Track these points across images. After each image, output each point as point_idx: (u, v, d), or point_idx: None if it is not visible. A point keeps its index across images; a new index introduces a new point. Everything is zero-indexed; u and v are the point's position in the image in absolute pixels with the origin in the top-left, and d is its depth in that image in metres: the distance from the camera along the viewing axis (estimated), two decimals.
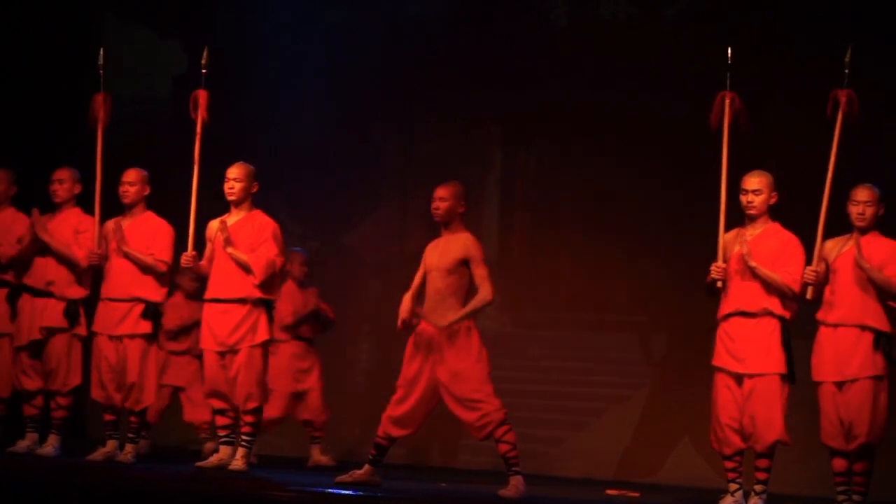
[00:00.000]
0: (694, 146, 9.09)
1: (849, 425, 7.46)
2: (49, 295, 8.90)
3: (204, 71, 8.67)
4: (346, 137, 10.99)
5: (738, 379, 7.62)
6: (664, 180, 9.93)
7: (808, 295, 7.55)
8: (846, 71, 7.64)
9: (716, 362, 7.71)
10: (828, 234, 7.61)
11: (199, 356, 8.69)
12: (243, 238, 8.46)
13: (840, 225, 7.60)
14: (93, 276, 8.97)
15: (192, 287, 9.34)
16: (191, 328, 9.40)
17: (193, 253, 8.52)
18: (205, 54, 8.69)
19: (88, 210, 8.95)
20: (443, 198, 7.94)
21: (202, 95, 8.64)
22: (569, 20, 10.52)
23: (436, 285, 7.81)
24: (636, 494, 8.50)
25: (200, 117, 8.61)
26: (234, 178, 8.52)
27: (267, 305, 8.46)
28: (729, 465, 7.66)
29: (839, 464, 7.57)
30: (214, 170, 8.61)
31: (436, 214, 7.94)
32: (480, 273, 7.80)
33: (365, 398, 10.39)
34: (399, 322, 7.83)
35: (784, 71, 9.36)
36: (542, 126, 10.43)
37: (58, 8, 11.46)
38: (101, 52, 8.96)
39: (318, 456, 9.51)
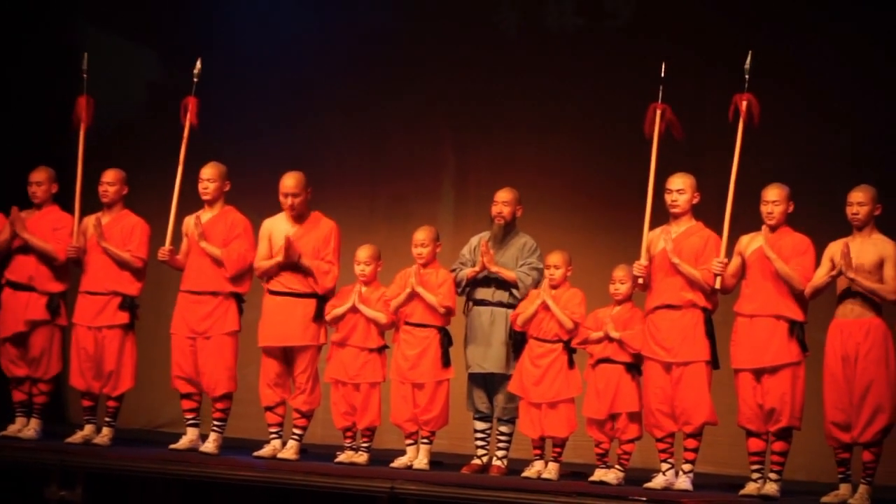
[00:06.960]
0: (635, 153, 9.50)
1: (770, 411, 7.89)
2: (31, 289, 9.24)
3: (196, 80, 9.18)
4: (312, 137, 11.27)
5: (667, 367, 8.09)
6: (610, 182, 10.35)
7: (717, 284, 7.97)
8: (746, 76, 8.11)
9: (645, 352, 8.19)
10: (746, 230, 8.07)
11: None
12: (217, 234, 8.87)
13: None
14: (72, 271, 9.31)
15: None
16: None
17: (171, 248, 8.96)
18: (198, 64, 9.21)
19: (66, 208, 9.32)
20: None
21: (192, 102, 9.14)
22: (518, 31, 10.89)
23: None
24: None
25: (189, 122, 9.11)
26: (208, 178, 8.97)
27: (237, 298, 8.88)
28: (660, 446, 8.15)
29: (755, 444, 8.00)
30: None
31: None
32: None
33: None
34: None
35: (718, 79, 9.74)
36: (492, 131, 10.82)
37: (29, 13, 11.65)
38: (85, 57, 9.39)
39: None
